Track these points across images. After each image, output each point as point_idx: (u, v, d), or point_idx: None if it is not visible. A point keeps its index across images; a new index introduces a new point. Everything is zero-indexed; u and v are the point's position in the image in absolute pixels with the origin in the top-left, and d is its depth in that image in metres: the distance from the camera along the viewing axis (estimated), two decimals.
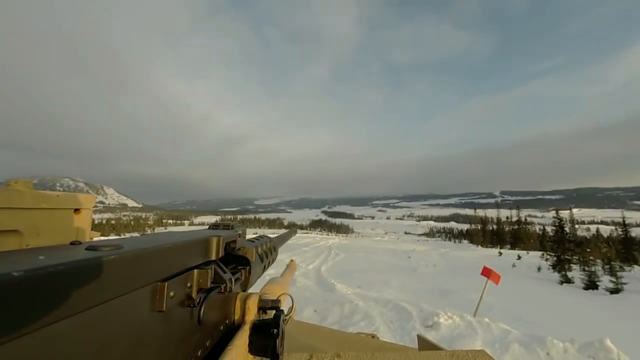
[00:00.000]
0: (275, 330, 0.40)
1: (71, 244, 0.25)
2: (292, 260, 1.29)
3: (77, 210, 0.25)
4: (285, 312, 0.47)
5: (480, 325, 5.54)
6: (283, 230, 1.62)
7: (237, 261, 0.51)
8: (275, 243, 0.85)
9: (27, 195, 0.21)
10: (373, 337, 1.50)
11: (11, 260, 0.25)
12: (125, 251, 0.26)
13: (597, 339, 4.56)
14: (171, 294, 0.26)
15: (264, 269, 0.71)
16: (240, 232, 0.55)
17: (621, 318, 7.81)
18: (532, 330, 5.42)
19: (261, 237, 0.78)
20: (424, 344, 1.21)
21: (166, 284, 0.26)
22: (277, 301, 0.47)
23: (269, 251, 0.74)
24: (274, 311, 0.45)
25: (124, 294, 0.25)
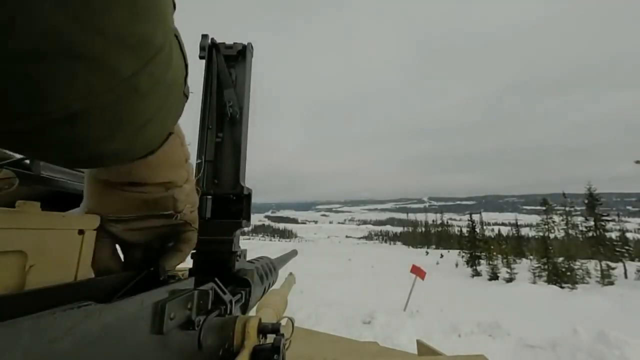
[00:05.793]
0: (276, 356, 0.39)
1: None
2: (290, 274, 1.23)
3: (81, 232, 0.25)
4: (286, 336, 0.46)
5: (409, 318, 6.28)
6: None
7: (237, 282, 0.50)
8: (275, 264, 0.83)
9: (34, 216, 0.21)
10: (373, 343, 1.49)
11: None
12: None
13: (493, 321, 5.69)
14: (171, 315, 0.25)
15: (264, 291, 0.70)
16: (240, 252, 0.55)
17: (510, 301, 9.79)
18: (450, 318, 6.38)
19: (261, 257, 0.76)
20: (423, 349, 1.25)
21: (167, 304, 0.25)
22: (278, 324, 0.46)
23: (269, 272, 0.73)
24: (274, 335, 0.44)
25: (123, 316, 0.24)
